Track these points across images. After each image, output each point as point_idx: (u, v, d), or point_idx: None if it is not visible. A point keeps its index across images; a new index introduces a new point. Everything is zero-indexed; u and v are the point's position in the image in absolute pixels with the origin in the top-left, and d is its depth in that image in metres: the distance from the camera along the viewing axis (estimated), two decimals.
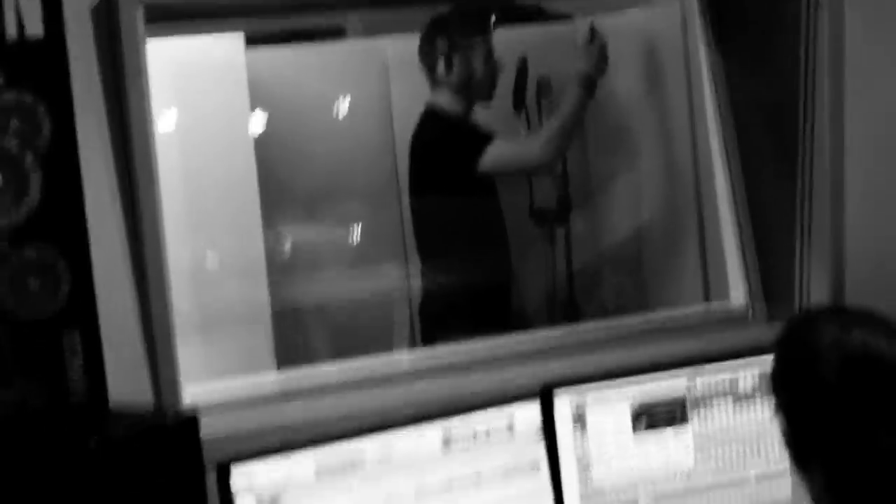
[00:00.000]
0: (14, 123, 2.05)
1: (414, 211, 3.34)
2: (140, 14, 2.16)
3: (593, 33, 3.21)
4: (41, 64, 2.08)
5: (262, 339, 3.16)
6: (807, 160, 2.73)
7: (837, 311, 1.80)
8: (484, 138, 3.18)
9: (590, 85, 3.19)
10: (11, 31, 2.05)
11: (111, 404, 2.04)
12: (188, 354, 2.29)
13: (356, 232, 3.54)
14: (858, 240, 2.72)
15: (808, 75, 2.68)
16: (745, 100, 2.90)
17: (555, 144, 3.18)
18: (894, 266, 2.59)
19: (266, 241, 3.26)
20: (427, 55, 3.28)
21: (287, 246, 3.40)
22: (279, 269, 3.34)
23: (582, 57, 3.20)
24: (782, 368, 1.71)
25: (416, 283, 3.42)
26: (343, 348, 3.32)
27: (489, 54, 3.27)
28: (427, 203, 3.26)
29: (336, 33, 3.98)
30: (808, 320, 1.74)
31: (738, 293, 2.90)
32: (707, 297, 3.21)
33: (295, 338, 3.36)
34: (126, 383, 2.11)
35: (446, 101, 3.25)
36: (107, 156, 2.16)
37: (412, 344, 3.42)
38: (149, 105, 2.18)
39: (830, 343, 1.63)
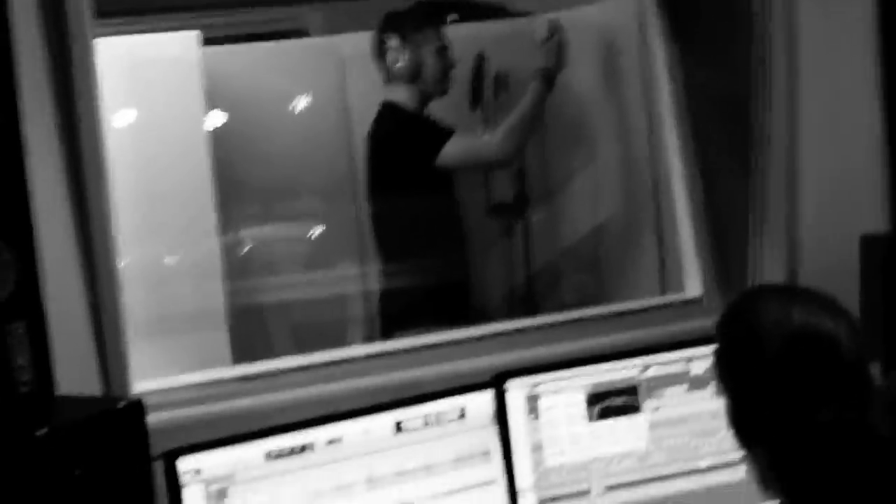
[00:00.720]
0: None
1: (371, 207, 3.33)
2: (88, 7, 2.14)
3: (552, 29, 3.22)
4: None
5: (218, 338, 3.14)
6: (761, 151, 2.75)
7: (779, 290, 1.80)
8: (443, 133, 3.18)
9: (549, 80, 3.21)
10: None
11: (59, 395, 2.03)
12: (142, 354, 2.29)
13: (314, 229, 3.54)
14: (812, 229, 2.74)
15: (763, 67, 2.70)
16: (700, 93, 2.92)
17: (514, 139, 3.19)
18: (848, 255, 2.61)
19: (222, 238, 3.25)
20: (380, 51, 3.28)
21: (244, 243, 3.39)
22: (236, 268, 3.33)
23: (541, 53, 3.22)
24: (725, 348, 1.72)
25: (374, 281, 3.41)
26: (300, 347, 3.31)
27: (442, 49, 3.28)
28: (385, 198, 3.26)
29: (295, 33, 3.99)
30: (749, 300, 1.74)
31: (693, 284, 2.91)
32: (664, 291, 3.22)
33: (251, 337, 3.35)
34: (75, 375, 2.10)
35: (401, 96, 3.25)
36: (54, 149, 2.14)
37: (369, 338, 3.41)
38: (97, 98, 2.17)
39: (772, 322, 1.64)
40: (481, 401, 2.19)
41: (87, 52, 2.14)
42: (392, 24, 3.27)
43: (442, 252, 3.26)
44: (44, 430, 1.75)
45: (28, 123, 2.10)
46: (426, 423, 2.13)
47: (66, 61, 2.13)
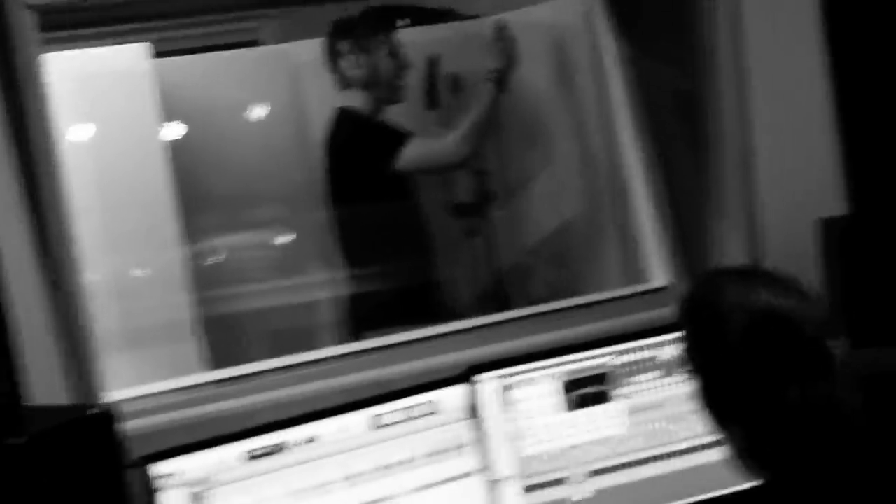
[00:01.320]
0: None
1: (333, 213, 3.32)
2: (31, 18, 2.11)
3: (501, 30, 3.24)
4: None
5: (188, 349, 3.12)
6: (716, 141, 2.78)
7: (739, 272, 1.81)
8: (399, 136, 3.18)
9: (501, 80, 3.22)
10: None
11: (27, 404, 2.00)
12: (112, 366, 2.27)
13: (276, 237, 3.52)
14: (771, 214, 2.77)
15: (712, 57, 2.73)
16: (653, 86, 2.94)
17: (470, 140, 3.21)
18: (807, 238, 2.64)
19: (186, 249, 3.23)
20: (332, 57, 3.28)
21: (210, 253, 3.38)
22: (201, 278, 3.31)
23: (491, 53, 3.23)
24: (691, 331, 1.73)
25: (343, 286, 3.40)
26: (273, 354, 3.29)
27: (394, 51, 3.28)
28: (346, 204, 3.25)
29: (248, 43, 3.98)
30: (711, 282, 1.75)
31: (658, 274, 2.93)
32: (631, 282, 3.24)
33: (224, 348, 3.33)
34: (44, 387, 2.07)
35: (356, 101, 3.25)
36: (7, 165, 2.11)
37: (339, 340, 3.40)
38: (45, 109, 2.14)
39: (735, 303, 1.65)
40: (454, 394, 2.19)
41: (34, 67, 2.11)
42: (343, 30, 3.26)
43: (407, 254, 3.26)
44: (19, 440, 1.72)
45: None
46: (401, 419, 2.13)
47: (13, 77, 2.10)
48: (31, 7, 2.11)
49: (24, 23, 2.09)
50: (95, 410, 1.86)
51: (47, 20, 2.16)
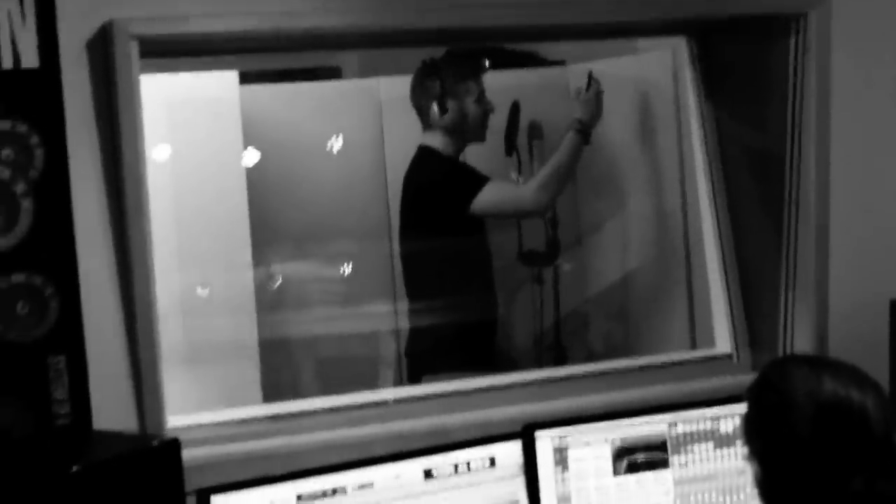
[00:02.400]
0: (7, 152, 2.07)
1: (404, 248, 3.35)
2: (134, 48, 2.19)
3: (591, 81, 3.23)
4: (36, 94, 2.11)
5: (250, 373, 3.17)
6: (793, 210, 2.76)
7: (809, 360, 1.82)
8: (479, 180, 3.20)
9: (585, 132, 3.21)
10: (7, 61, 2.08)
11: (95, 429, 2.05)
12: (174, 387, 2.31)
13: (346, 268, 3.56)
14: (842, 291, 2.74)
15: (796, 125, 2.72)
16: (734, 148, 2.92)
17: (550, 190, 3.20)
18: (876, 318, 2.61)
19: (256, 275, 3.27)
20: (419, 98, 3.30)
21: (277, 281, 3.42)
22: (268, 304, 3.35)
23: (578, 104, 3.22)
24: (755, 415, 1.74)
25: (404, 321, 3.43)
26: (330, 385, 3.33)
27: (481, 96, 3.29)
28: (418, 241, 3.28)
29: (332, 73, 4.03)
30: (781, 368, 1.77)
31: (723, 340, 2.91)
32: (694, 345, 3.22)
33: (282, 373, 3.37)
34: (111, 410, 2.12)
35: (439, 142, 3.27)
36: (98, 186, 2.18)
37: (398, 381, 3.42)
38: (141, 138, 2.21)
39: (803, 392, 1.67)
40: (510, 450, 2.21)
41: (133, 90, 2.18)
42: (431, 72, 3.28)
43: (471, 296, 3.27)
44: (78, 467, 1.77)
45: (73, 162, 2.14)
46: (456, 471, 2.15)
47: (113, 98, 2.18)
48: (134, 37, 2.17)
49: (129, 51, 2.17)
50: (158, 441, 1.90)
51: (147, 47, 2.23)
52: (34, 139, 2.09)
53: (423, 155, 3.28)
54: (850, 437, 1.63)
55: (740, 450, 2.29)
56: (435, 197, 3.23)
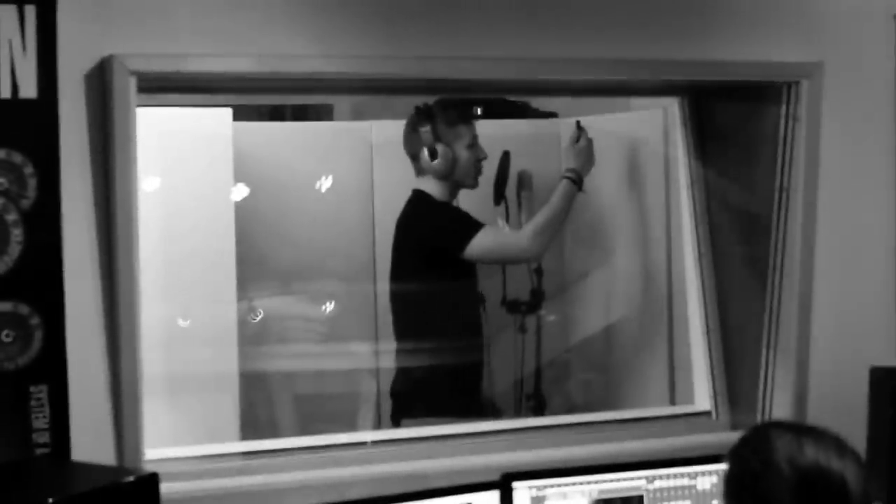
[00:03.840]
0: (1, 181, 2.08)
1: (394, 289, 3.35)
2: (132, 82, 2.20)
3: (580, 132, 3.26)
4: (33, 124, 2.12)
5: (229, 407, 3.16)
6: (777, 273, 2.79)
7: (791, 426, 1.84)
8: (474, 225, 3.22)
9: (577, 181, 3.23)
10: (6, 90, 2.09)
11: (73, 460, 2.04)
12: (152, 418, 2.30)
13: (329, 307, 3.56)
14: (823, 356, 2.77)
15: (784, 190, 2.75)
16: (721, 208, 2.95)
17: (544, 237, 3.21)
18: (855, 383, 2.63)
19: (239, 309, 3.28)
20: (411, 143, 3.31)
21: (259, 315, 3.42)
22: (250, 339, 3.35)
23: (570, 153, 3.25)
24: (736, 478, 1.75)
25: (385, 362, 3.43)
26: (308, 423, 3.32)
27: (473, 142, 3.31)
28: (409, 282, 3.28)
29: (323, 112, 4.05)
30: (764, 432, 1.78)
31: (702, 398, 2.93)
32: (673, 401, 3.23)
33: (261, 408, 3.36)
34: (90, 440, 2.12)
35: (432, 187, 3.28)
36: (89, 218, 2.19)
37: (377, 421, 3.42)
38: (134, 170, 2.23)
39: (785, 458, 1.68)
40: (488, 500, 2.20)
41: (129, 122, 2.20)
42: (424, 119, 3.30)
43: (458, 340, 3.27)
44: (53, 500, 1.76)
45: (65, 193, 2.15)
46: None
47: (108, 130, 2.19)
48: (133, 73, 2.19)
49: (127, 86, 2.19)
50: (135, 476, 1.90)
51: (145, 82, 2.25)
52: (28, 169, 2.10)
53: (419, 198, 3.29)
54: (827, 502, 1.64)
55: None
56: (430, 240, 3.24)
